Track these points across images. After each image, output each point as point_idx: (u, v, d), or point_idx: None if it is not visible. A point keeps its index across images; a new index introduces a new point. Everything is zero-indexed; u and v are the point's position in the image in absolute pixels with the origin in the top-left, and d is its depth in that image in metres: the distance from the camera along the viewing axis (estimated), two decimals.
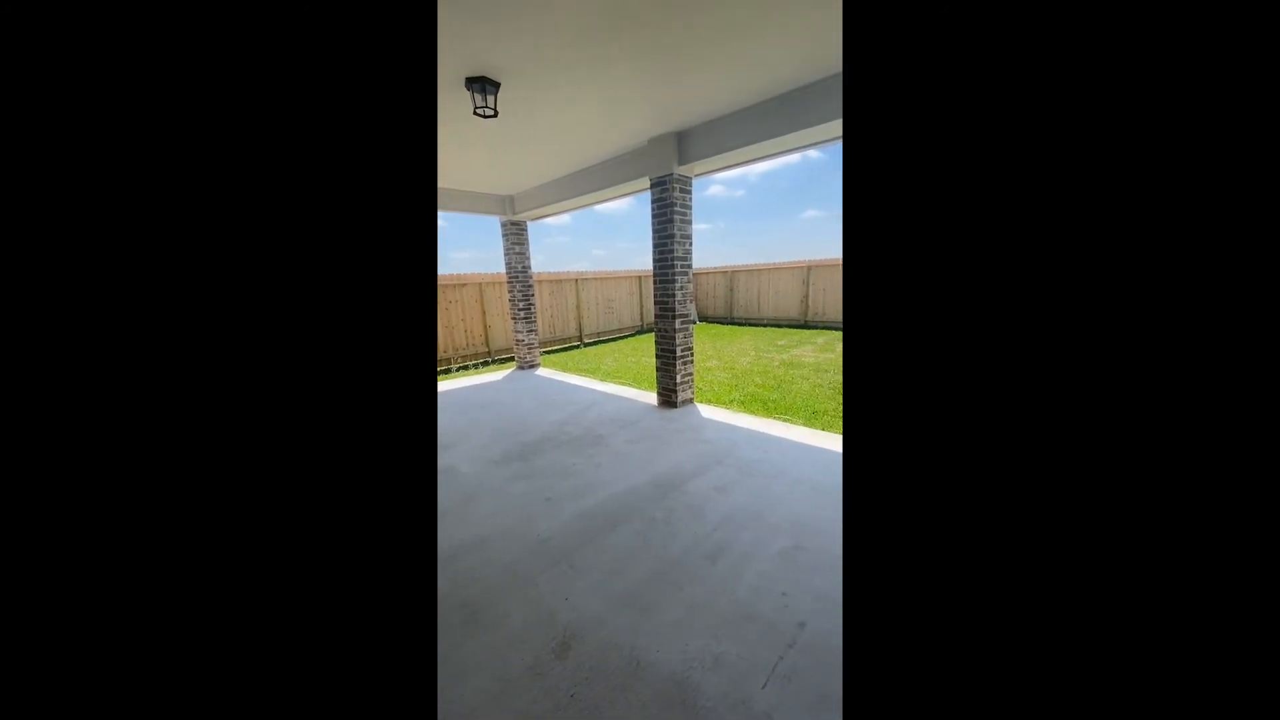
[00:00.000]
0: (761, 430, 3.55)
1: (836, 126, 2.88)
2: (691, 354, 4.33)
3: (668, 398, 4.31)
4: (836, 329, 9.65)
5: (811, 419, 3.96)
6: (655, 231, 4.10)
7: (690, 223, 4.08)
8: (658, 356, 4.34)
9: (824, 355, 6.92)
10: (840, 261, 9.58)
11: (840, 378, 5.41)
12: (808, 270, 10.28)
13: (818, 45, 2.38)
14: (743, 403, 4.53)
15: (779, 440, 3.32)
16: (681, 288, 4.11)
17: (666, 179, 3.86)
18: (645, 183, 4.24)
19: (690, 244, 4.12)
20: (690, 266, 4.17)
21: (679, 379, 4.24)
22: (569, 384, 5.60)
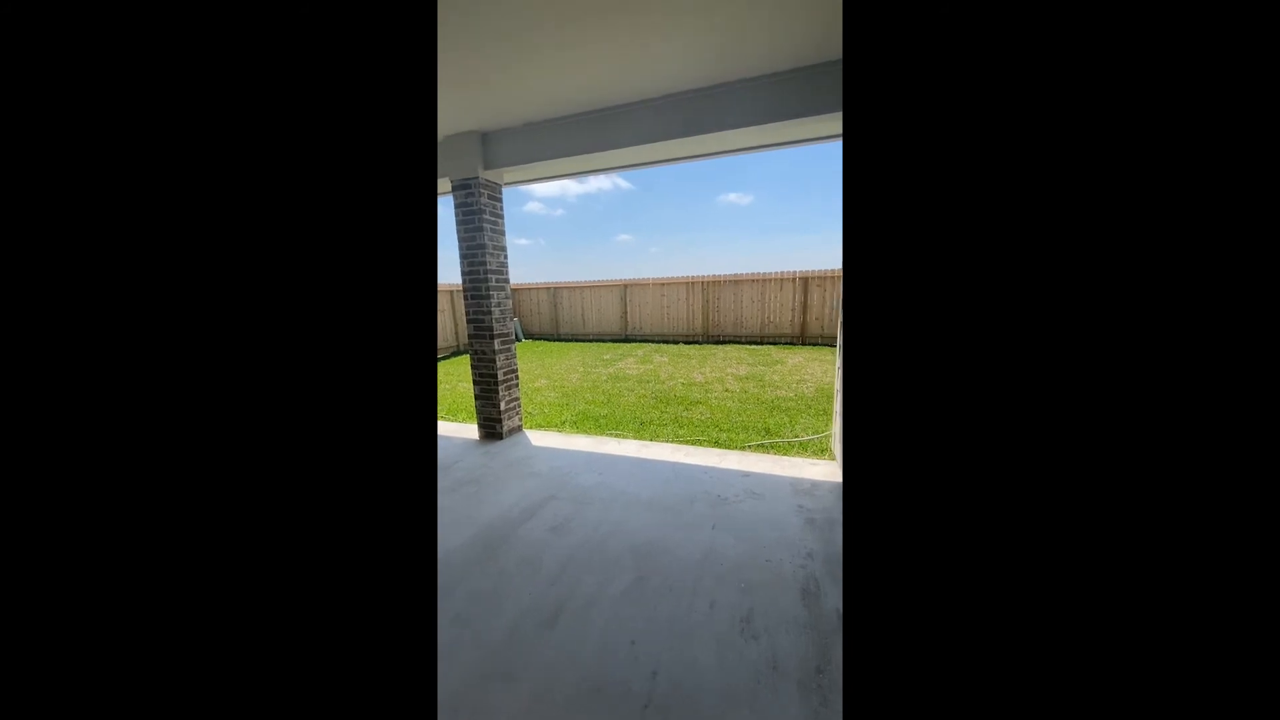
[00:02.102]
0: (596, 450, 3.43)
1: (651, 150, 3.02)
2: (516, 376, 3.93)
3: (491, 429, 3.79)
4: (653, 341, 10.61)
5: (640, 430, 4.07)
6: (463, 241, 3.58)
7: (503, 233, 3.72)
8: (475, 383, 3.78)
9: (645, 366, 7.42)
10: (651, 280, 10.71)
11: (662, 387, 5.85)
12: (625, 288, 11.02)
13: (634, 66, 2.43)
14: (575, 423, 4.37)
15: (613, 459, 3.24)
16: (499, 304, 3.69)
17: (471, 182, 3.41)
18: (447, 184, 3.68)
19: (505, 256, 3.76)
20: (507, 281, 3.80)
21: (503, 406, 3.78)
22: None
